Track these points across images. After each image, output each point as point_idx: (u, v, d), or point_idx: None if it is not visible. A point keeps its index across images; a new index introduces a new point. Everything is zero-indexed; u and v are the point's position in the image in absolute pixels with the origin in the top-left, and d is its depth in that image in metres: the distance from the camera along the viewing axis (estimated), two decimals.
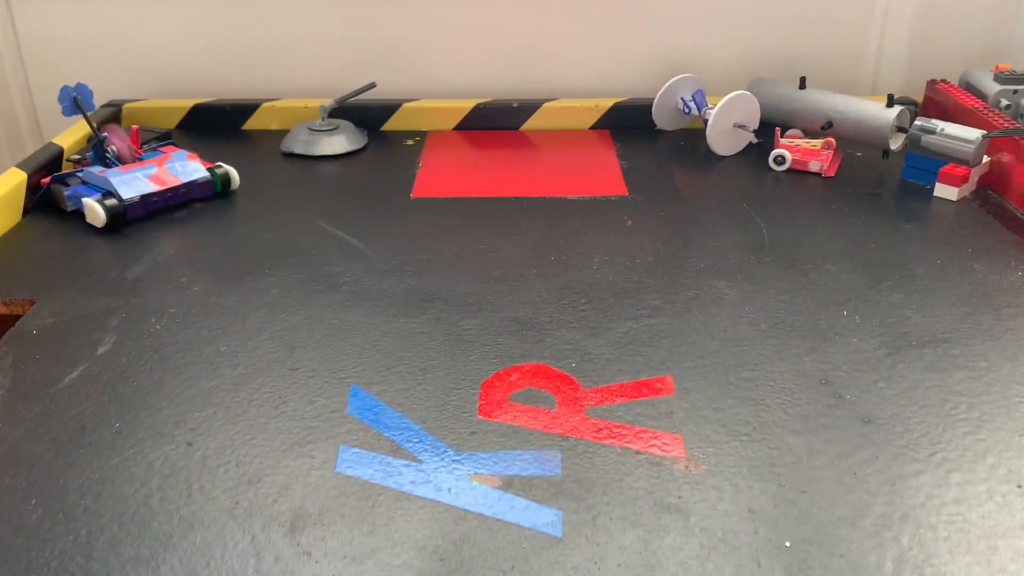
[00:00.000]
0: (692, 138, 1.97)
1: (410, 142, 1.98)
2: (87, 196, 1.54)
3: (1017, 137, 1.61)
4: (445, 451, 0.98)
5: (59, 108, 2.08)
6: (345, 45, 2.07)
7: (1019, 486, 0.92)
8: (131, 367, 1.14)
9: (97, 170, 1.58)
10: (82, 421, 1.04)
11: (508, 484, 0.93)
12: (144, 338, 1.21)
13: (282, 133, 1.99)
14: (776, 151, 1.77)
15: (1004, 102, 1.81)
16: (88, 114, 1.62)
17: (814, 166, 1.76)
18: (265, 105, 2.04)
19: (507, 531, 0.87)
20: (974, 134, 1.62)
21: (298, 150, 1.90)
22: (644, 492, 0.92)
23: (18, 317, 1.27)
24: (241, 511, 0.90)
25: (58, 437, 1.01)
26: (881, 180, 1.74)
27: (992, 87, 1.83)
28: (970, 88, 1.91)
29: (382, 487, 0.93)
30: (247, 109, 2.05)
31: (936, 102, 1.93)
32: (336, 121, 1.95)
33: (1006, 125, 1.67)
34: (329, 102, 1.93)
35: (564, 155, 1.90)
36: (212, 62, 2.08)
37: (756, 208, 1.61)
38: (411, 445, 0.99)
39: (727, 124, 1.84)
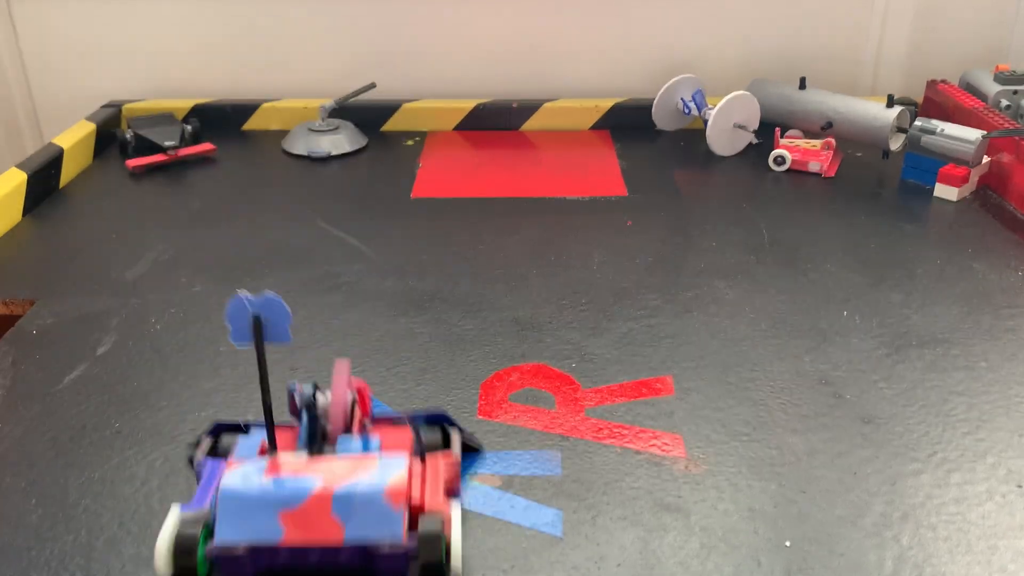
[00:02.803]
0: (692, 138, 1.96)
1: (410, 142, 1.98)
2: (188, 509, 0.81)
3: (1017, 137, 1.61)
4: None
5: (59, 108, 2.09)
6: (345, 45, 2.07)
7: (1019, 486, 0.92)
8: (131, 367, 1.14)
9: (239, 462, 0.83)
10: (82, 421, 1.04)
11: (508, 484, 0.93)
12: (144, 338, 1.21)
13: (282, 133, 1.99)
14: (776, 151, 1.77)
15: (1004, 102, 1.81)
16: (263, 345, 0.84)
17: (814, 166, 1.76)
18: (265, 105, 2.04)
19: (507, 531, 0.87)
20: (974, 134, 1.62)
21: (298, 150, 1.90)
22: (644, 492, 0.92)
23: (18, 317, 1.27)
24: None
25: (58, 437, 1.01)
26: (881, 180, 1.74)
27: (992, 87, 1.83)
28: (970, 88, 1.91)
29: None
30: (247, 109, 2.05)
31: (936, 102, 1.93)
32: (336, 121, 1.95)
33: (1006, 125, 1.67)
34: (329, 102, 1.93)
35: (564, 155, 1.90)
36: (212, 62, 2.09)
37: (756, 208, 1.61)
38: None
39: (727, 124, 1.84)
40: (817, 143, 1.79)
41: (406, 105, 2.05)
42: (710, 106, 1.89)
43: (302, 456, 0.83)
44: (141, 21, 2.04)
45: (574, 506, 0.90)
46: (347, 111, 1.97)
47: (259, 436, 0.88)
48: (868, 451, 0.98)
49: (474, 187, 1.73)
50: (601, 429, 1.02)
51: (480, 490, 0.92)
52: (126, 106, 2.03)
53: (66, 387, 1.10)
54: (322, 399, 0.87)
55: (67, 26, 2.04)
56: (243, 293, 0.79)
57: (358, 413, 0.89)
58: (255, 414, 1.04)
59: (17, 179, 1.59)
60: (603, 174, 1.79)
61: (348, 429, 0.87)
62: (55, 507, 0.91)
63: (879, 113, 1.76)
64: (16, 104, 2.12)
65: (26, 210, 1.60)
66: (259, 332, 0.79)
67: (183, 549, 0.76)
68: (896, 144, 1.77)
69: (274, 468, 0.81)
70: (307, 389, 0.86)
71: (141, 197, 1.70)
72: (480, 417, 1.04)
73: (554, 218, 1.57)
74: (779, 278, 1.35)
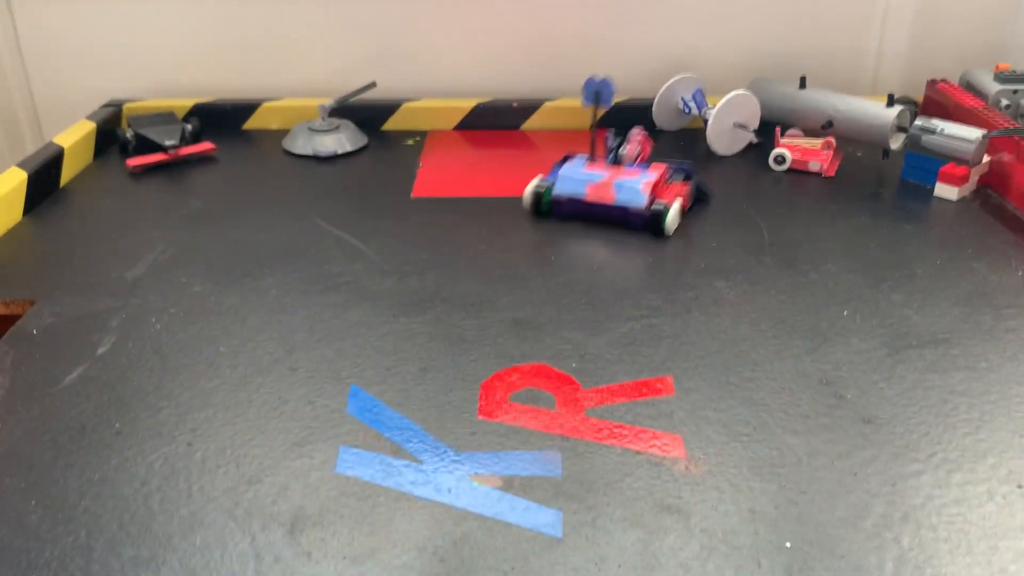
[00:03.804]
0: (692, 138, 1.96)
1: (410, 142, 1.98)
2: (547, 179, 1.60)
3: (1017, 137, 1.61)
4: (445, 451, 0.98)
5: (60, 107, 2.10)
6: (345, 45, 2.07)
7: (1019, 486, 0.92)
8: (131, 367, 1.14)
9: (583, 161, 1.61)
10: (82, 421, 1.04)
11: (508, 484, 0.93)
12: (144, 338, 1.21)
13: (282, 133, 1.99)
14: (776, 151, 1.77)
15: (1004, 102, 1.81)
16: (598, 109, 1.61)
17: (814, 166, 1.76)
18: (265, 105, 2.04)
19: (507, 531, 0.87)
20: (974, 134, 1.62)
21: (298, 150, 1.90)
22: (644, 493, 0.92)
23: (18, 317, 1.27)
24: (241, 512, 0.90)
25: (58, 437, 1.01)
26: (881, 180, 1.74)
27: (992, 87, 1.83)
28: (970, 88, 1.91)
29: (382, 487, 0.93)
30: (247, 109, 2.05)
31: (936, 102, 1.93)
32: (336, 121, 1.95)
33: (1006, 125, 1.67)
34: (329, 102, 1.93)
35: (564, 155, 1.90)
36: (212, 62, 2.08)
37: (756, 208, 1.61)
38: (411, 445, 0.99)
39: (727, 124, 1.84)
40: (817, 142, 1.79)
41: (406, 105, 2.05)
42: (710, 105, 1.88)
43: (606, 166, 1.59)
44: (141, 21, 2.04)
45: (574, 507, 0.90)
46: (347, 110, 1.97)
47: (584, 158, 1.64)
48: (869, 452, 0.98)
49: (474, 187, 1.73)
50: (601, 429, 1.01)
51: (480, 490, 0.92)
52: (126, 105, 2.03)
53: (66, 387, 1.10)
54: (620, 146, 1.60)
55: (68, 25, 2.04)
56: (594, 76, 1.60)
57: (641, 156, 1.61)
58: (255, 413, 1.04)
59: (17, 178, 1.59)
60: None
61: (634, 162, 1.59)
62: (55, 507, 0.91)
63: (879, 112, 1.76)
64: (16, 103, 2.12)
65: (26, 210, 1.60)
66: (598, 98, 1.61)
67: (537, 195, 1.57)
68: (896, 143, 1.77)
69: (590, 167, 1.59)
70: (612, 140, 1.60)
71: (141, 197, 1.70)
72: (480, 417, 1.04)
73: (554, 218, 1.57)
74: (779, 278, 1.35)
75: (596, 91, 1.61)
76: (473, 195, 1.68)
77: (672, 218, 1.48)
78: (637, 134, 1.61)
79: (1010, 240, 1.47)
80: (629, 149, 1.58)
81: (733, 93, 1.83)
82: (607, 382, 1.10)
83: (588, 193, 1.53)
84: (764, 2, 2.04)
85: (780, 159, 1.77)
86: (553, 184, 1.56)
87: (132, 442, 1.00)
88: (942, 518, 0.88)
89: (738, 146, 1.88)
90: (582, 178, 1.55)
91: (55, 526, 0.88)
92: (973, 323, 1.23)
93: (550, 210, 1.56)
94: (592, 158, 1.61)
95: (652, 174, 1.54)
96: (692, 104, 1.93)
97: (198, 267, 1.40)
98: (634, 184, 1.51)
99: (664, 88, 1.95)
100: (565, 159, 1.65)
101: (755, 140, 1.87)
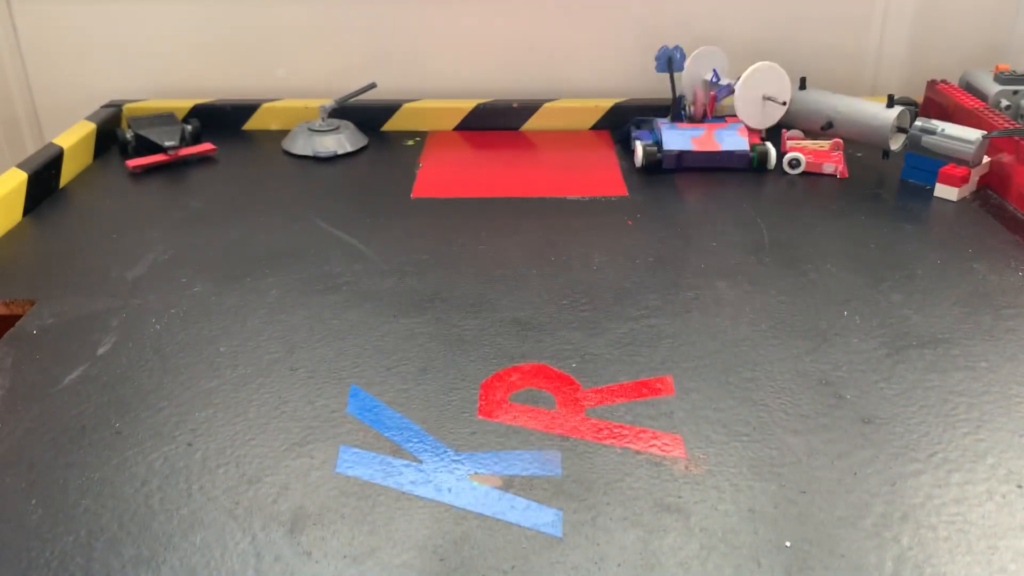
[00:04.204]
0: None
1: (410, 142, 1.98)
2: (644, 140, 1.80)
3: (1017, 138, 1.61)
4: (445, 451, 0.98)
5: (60, 108, 2.10)
6: (345, 45, 2.07)
7: (1019, 486, 0.92)
8: (131, 367, 1.14)
9: (664, 122, 1.82)
10: (82, 421, 1.04)
11: (508, 484, 0.93)
12: (144, 338, 1.21)
13: (282, 133, 1.99)
14: (790, 154, 1.76)
15: (1004, 102, 1.81)
16: (675, 74, 1.82)
17: (828, 168, 1.76)
18: (265, 105, 2.04)
19: (507, 531, 0.87)
20: (974, 134, 1.62)
21: (298, 151, 1.90)
22: (644, 492, 0.92)
23: (18, 317, 1.27)
24: (241, 511, 0.90)
25: (58, 437, 1.01)
26: (881, 180, 1.74)
27: (992, 87, 1.83)
28: (970, 88, 1.91)
29: (382, 487, 0.93)
30: (247, 109, 2.05)
31: (936, 102, 1.93)
32: (336, 121, 1.95)
33: (1006, 125, 1.67)
34: (329, 102, 1.93)
35: (564, 155, 1.90)
36: (212, 62, 2.08)
37: (756, 208, 1.61)
38: (411, 445, 0.99)
39: (756, 96, 1.82)
40: (826, 144, 1.78)
41: (406, 105, 2.05)
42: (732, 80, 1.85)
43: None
44: (141, 21, 2.04)
45: (574, 506, 0.90)
46: (347, 111, 1.97)
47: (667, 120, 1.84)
48: (868, 451, 0.98)
49: (474, 187, 1.73)
50: (601, 429, 1.01)
51: (480, 490, 0.92)
52: (126, 106, 2.03)
53: (66, 387, 1.10)
54: (686, 108, 1.84)
55: (68, 26, 2.04)
56: (666, 45, 1.78)
57: (708, 109, 1.86)
58: (255, 413, 1.05)
59: (17, 179, 1.59)
60: (603, 174, 1.79)
61: (705, 117, 1.85)
62: (55, 507, 0.91)
63: (879, 113, 1.76)
64: (16, 104, 2.12)
65: (26, 210, 1.60)
66: (671, 65, 1.80)
67: (650, 153, 1.76)
68: (896, 144, 1.77)
69: (683, 124, 1.81)
70: (680, 104, 1.84)
71: (141, 197, 1.70)
72: (480, 417, 1.04)
73: (554, 218, 1.57)
74: (779, 278, 1.35)
75: (668, 57, 1.80)
76: (473, 195, 1.68)
77: (773, 155, 1.77)
78: (699, 94, 1.84)
79: (1010, 240, 1.47)
80: (695, 109, 1.83)
81: (759, 64, 1.82)
82: (607, 382, 1.10)
83: (695, 145, 1.76)
84: (764, 3, 2.04)
85: (795, 163, 1.76)
86: (659, 142, 1.77)
87: (132, 442, 1.00)
88: (942, 518, 0.88)
89: (769, 121, 1.86)
90: (685, 133, 1.78)
91: (55, 526, 0.88)
92: (973, 323, 1.23)
93: (659, 165, 1.77)
94: (680, 117, 1.83)
95: (738, 123, 1.80)
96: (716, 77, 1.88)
97: (198, 267, 1.40)
98: (731, 132, 1.79)
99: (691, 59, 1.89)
100: (639, 123, 1.89)
101: (785, 106, 1.85)
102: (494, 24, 2.06)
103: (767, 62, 1.83)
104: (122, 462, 0.97)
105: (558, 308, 1.27)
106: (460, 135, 2.03)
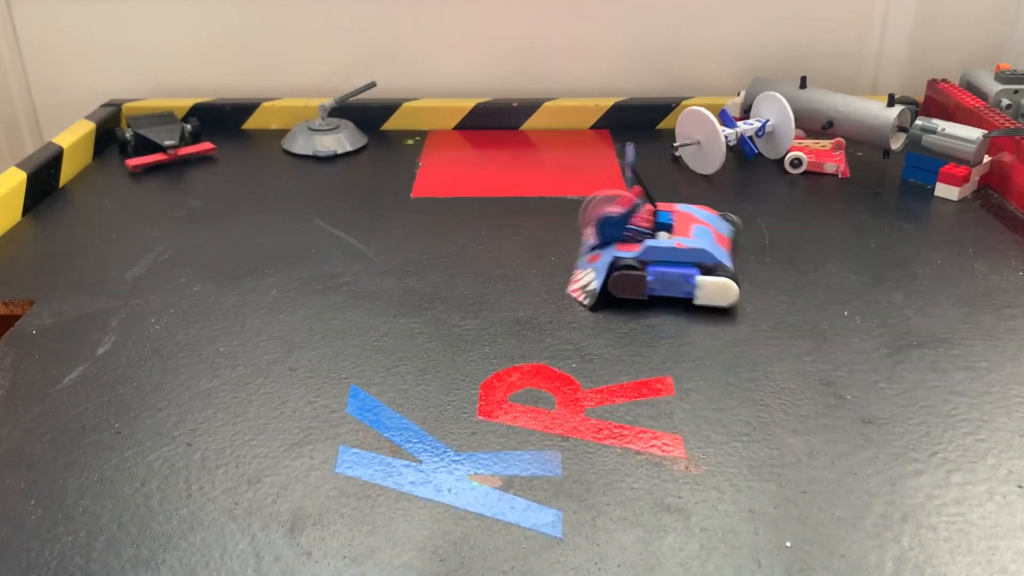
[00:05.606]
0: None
1: (410, 142, 1.98)
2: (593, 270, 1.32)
3: (1018, 137, 1.61)
4: (445, 451, 0.98)
5: (59, 107, 2.09)
6: (345, 45, 2.07)
7: (1020, 486, 0.92)
8: (131, 367, 1.14)
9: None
10: (82, 421, 1.04)
11: (508, 484, 0.93)
12: (144, 338, 1.21)
13: (282, 133, 1.99)
14: (792, 154, 1.76)
15: (1005, 102, 1.81)
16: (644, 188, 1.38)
17: (829, 167, 1.75)
18: (265, 105, 2.04)
19: (507, 531, 0.87)
20: (975, 134, 1.62)
21: (298, 150, 1.90)
22: (644, 492, 0.92)
23: (18, 317, 1.27)
24: (241, 511, 0.90)
25: (58, 437, 1.01)
26: (882, 180, 1.73)
27: (993, 87, 1.83)
28: (971, 88, 1.91)
29: (382, 487, 0.93)
30: (247, 109, 2.05)
31: (937, 102, 1.93)
32: (336, 120, 1.95)
33: (1007, 125, 1.67)
34: (329, 102, 1.93)
35: (564, 155, 1.90)
36: (212, 62, 2.08)
37: (756, 208, 1.61)
38: (411, 445, 0.99)
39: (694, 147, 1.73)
40: (827, 143, 1.78)
41: (406, 104, 2.05)
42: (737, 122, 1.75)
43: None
44: (141, 21, 2.04)
45: (574, 507, 0.90)
46: (347, 110, 1.97)
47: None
48: (869, 452, 0.98)
49: (474, 187, 1.73)
50: (601, 429, 1.01)
51: (480, 490, 0.92)
52: (126, 105, 2.03)
53: (66, 387, 1.10)
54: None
55: (67, 25, 2.04)
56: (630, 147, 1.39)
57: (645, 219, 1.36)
58: (255, 413, 1.04)
59: (17, 178, 1.59)
60: (603, 174, 1.79)
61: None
62: (55, 507, 0.91)
63: (880, 112, 1.76)
64: (16, 103, 2.12)
65: (26, 209, 1.60)
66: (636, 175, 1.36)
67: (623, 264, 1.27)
68: (897, 143, 1.77)
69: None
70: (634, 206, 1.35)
71: (141, 197, 1.70)
72: (480, 417, 1.04)
73: (554, 218, 1.57)
74: (779, 278, 1.35)
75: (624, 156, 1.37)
76: (473, 195, 1.68)
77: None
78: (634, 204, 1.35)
79: (1011, 240, 1.47)
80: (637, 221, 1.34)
81: (683, 113, 1.71)
82: (607, 382, 1.10)
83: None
84: (764, 2, 2.04)
85: (796, 162, 1.76)
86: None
87: (132, 442, 1.00)
88: (942, 518, 0.88)
89: (713, 164, 1.72)
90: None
91: (55, 525, 0.88)
92: (973, 323, 1.23)
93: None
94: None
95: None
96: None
97: (198, 267, 1.40)
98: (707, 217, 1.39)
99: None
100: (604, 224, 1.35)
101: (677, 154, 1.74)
102: (494, 23, 2.06)
103: (689, 108, 1.72)
104: (121, 462, 0.97)
105: (558, 308, 1.27)
106: (460, 134, 2.03)
